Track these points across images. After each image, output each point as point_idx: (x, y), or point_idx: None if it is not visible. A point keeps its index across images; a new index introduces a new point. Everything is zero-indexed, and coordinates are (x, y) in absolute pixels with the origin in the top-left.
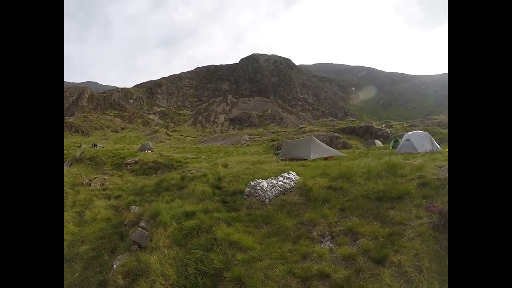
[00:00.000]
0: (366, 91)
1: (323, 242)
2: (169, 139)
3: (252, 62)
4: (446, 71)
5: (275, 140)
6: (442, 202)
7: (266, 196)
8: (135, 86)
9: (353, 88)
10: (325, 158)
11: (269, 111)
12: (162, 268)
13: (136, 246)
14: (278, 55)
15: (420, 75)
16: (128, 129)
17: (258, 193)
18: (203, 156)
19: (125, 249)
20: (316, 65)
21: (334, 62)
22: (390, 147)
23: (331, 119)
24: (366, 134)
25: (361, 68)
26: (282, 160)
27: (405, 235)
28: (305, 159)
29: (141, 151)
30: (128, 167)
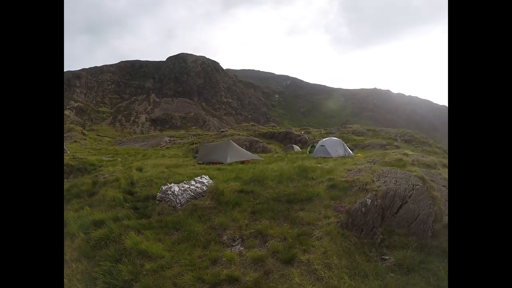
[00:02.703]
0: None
1: (233, 246)
2: (85, 139)
3: (180, 62)
4: (363, 86)
5: (194, 143)
6: (349, 202)
7: (178, 201)
8: None
9: (276, 96)
10: (242, 162)
11: (192, 113)
12: (70, 284)
13: None
14: (207, 57)
15: (340, 88)
16: None
17: (170, 198)
18: (119, 159)
19: None
20: (243, 70)
21: (260, 70)
22: (307, 152)
23: (253, 124)
24: (285, 139)
25: (286, 78)
26: (199, 163)
27: (314, 235)
28: (222, 163)
29: None
30: None
